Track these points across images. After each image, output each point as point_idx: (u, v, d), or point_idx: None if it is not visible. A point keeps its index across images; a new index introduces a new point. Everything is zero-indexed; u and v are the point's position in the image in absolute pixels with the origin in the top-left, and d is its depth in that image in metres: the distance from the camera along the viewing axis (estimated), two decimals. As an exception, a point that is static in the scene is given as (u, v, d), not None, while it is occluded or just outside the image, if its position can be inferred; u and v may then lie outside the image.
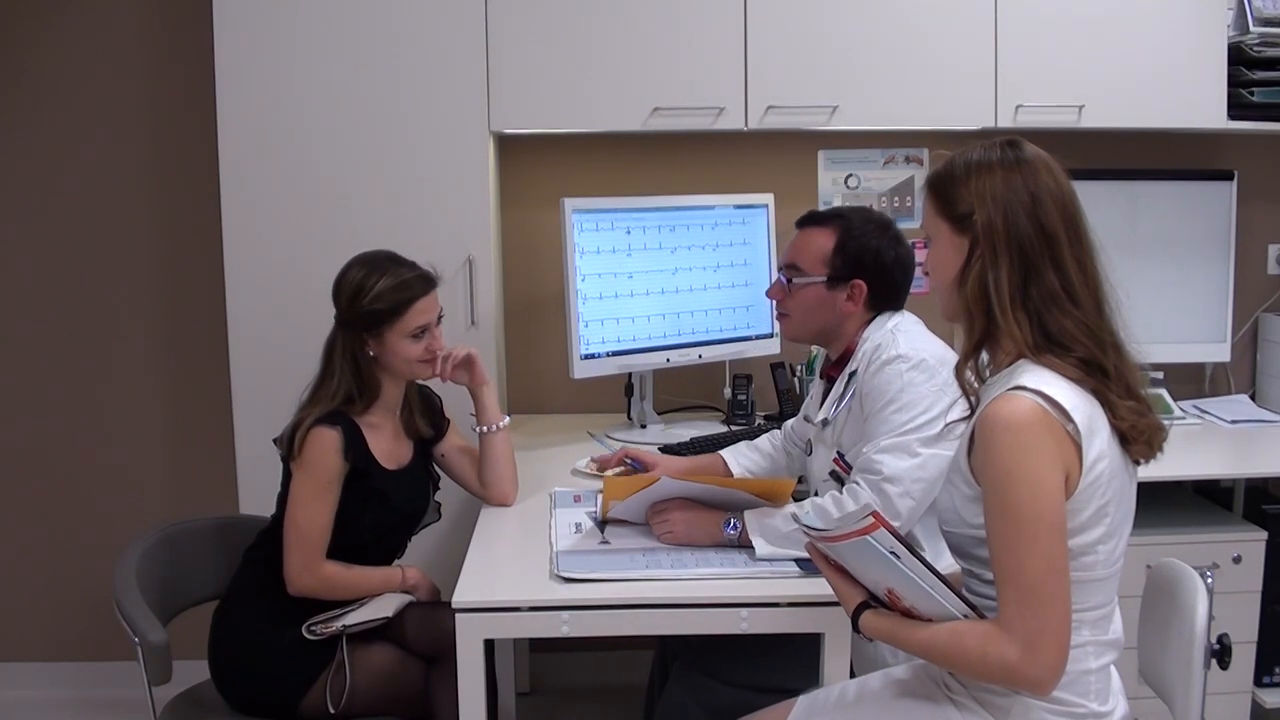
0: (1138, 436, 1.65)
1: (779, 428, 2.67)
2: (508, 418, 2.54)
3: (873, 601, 1.71)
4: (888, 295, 2.33)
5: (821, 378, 2.45)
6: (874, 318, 2.32)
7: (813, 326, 2.37)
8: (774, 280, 2.45)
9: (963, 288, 1.69)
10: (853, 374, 2.28)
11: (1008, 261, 1.65)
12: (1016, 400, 1.57)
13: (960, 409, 2.15)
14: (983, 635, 1.57)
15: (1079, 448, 1.57)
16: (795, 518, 2.02)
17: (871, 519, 1.58)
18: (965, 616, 1.61)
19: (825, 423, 2.34)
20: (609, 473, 2.55)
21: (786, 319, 2.41)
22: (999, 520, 1.56)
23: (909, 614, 1.65)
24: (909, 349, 2.19)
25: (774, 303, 2.46)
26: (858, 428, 2.25)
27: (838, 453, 2.30)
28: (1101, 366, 1.63)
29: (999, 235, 1.65)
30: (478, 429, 2.51)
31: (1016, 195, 1.66)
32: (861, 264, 2.30)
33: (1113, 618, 1.69)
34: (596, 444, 2.97)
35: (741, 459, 2.60)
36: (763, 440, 2.64)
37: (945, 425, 2.11)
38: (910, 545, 1.60)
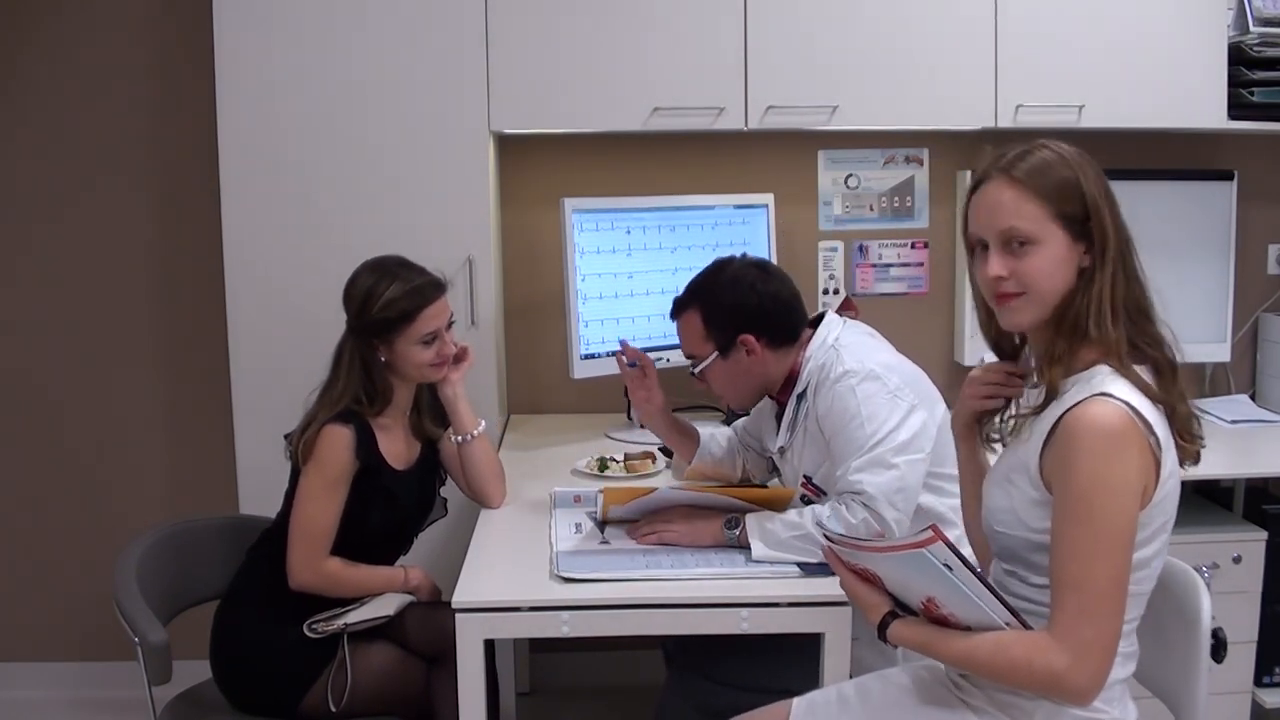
0: (1192, 439, 1.64)
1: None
2: (483, 422, 2.52)
3: (899, 610, 1.66)
4: (783, 329, 2.29)
5: (771, 398, 2.41)
6: (805, 340, 2.28)
7: (744, 391, 2.36)
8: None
9: (1074, 302, 1.59)
10: (800, 395, 2.27)
11: (1113, 270, 1.58)
12: (1108, 406, 1.52)
13: (921, 414, 2.13)
14: (1030, 645, 1.52)
15: (1158, 462, 1.54)
16: (820, 524, 2.03)
17: (930, 533, 1.51)
18: (1007, 625, 1.56)
19: (782, 450, 2.34)
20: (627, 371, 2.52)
21: (721, 397, 2.43)
22: (1076, 526, 1.50)
23: (944, 622, 1.60)
24: (855, 363, 2.18)
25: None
26: (817, 449, 2.24)
27: (805, 476, 2.29)
28: (1166, 384, 1.61)
29: (1110, 241, 1.57)
30: (454, 438, 2.50)
31: (1111, 194, 1.58)
32: (736, 323, 2.27)
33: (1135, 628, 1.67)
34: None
35: (712, 445, 2.55)
36: (723, 433, 2.62)
37: (913, 436, 2.11)
38: (963, 555, 1.53)
